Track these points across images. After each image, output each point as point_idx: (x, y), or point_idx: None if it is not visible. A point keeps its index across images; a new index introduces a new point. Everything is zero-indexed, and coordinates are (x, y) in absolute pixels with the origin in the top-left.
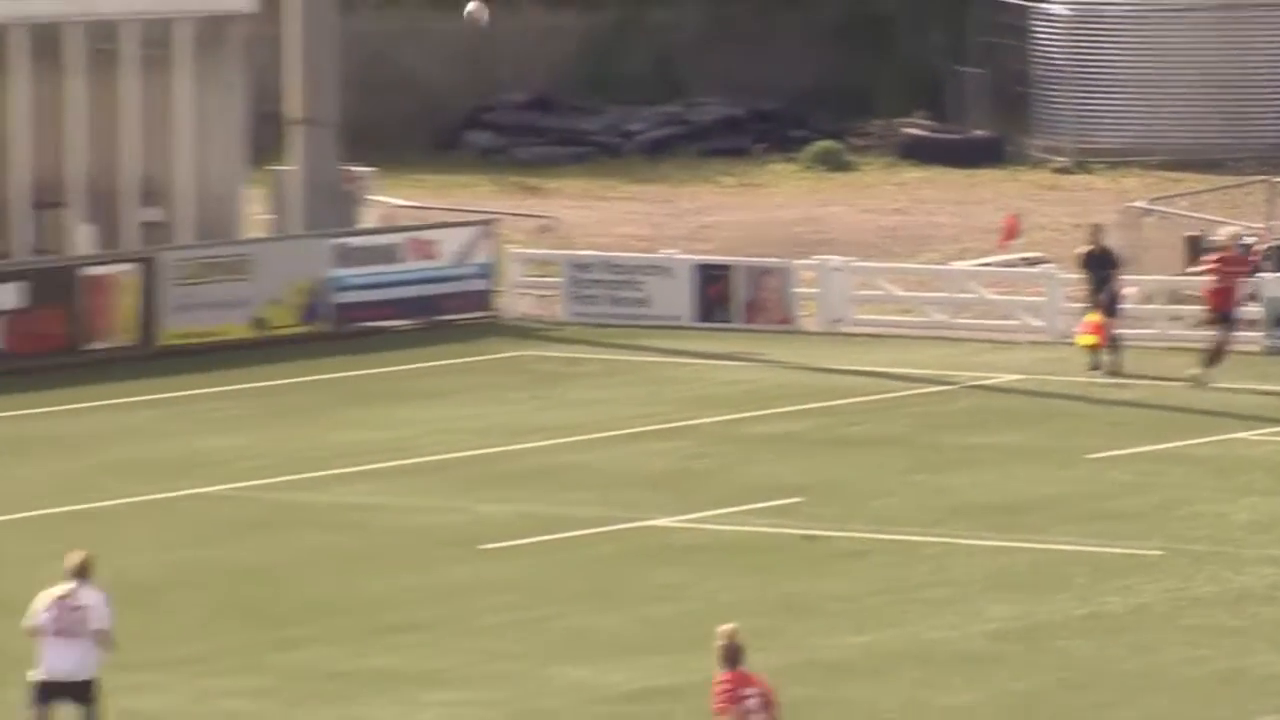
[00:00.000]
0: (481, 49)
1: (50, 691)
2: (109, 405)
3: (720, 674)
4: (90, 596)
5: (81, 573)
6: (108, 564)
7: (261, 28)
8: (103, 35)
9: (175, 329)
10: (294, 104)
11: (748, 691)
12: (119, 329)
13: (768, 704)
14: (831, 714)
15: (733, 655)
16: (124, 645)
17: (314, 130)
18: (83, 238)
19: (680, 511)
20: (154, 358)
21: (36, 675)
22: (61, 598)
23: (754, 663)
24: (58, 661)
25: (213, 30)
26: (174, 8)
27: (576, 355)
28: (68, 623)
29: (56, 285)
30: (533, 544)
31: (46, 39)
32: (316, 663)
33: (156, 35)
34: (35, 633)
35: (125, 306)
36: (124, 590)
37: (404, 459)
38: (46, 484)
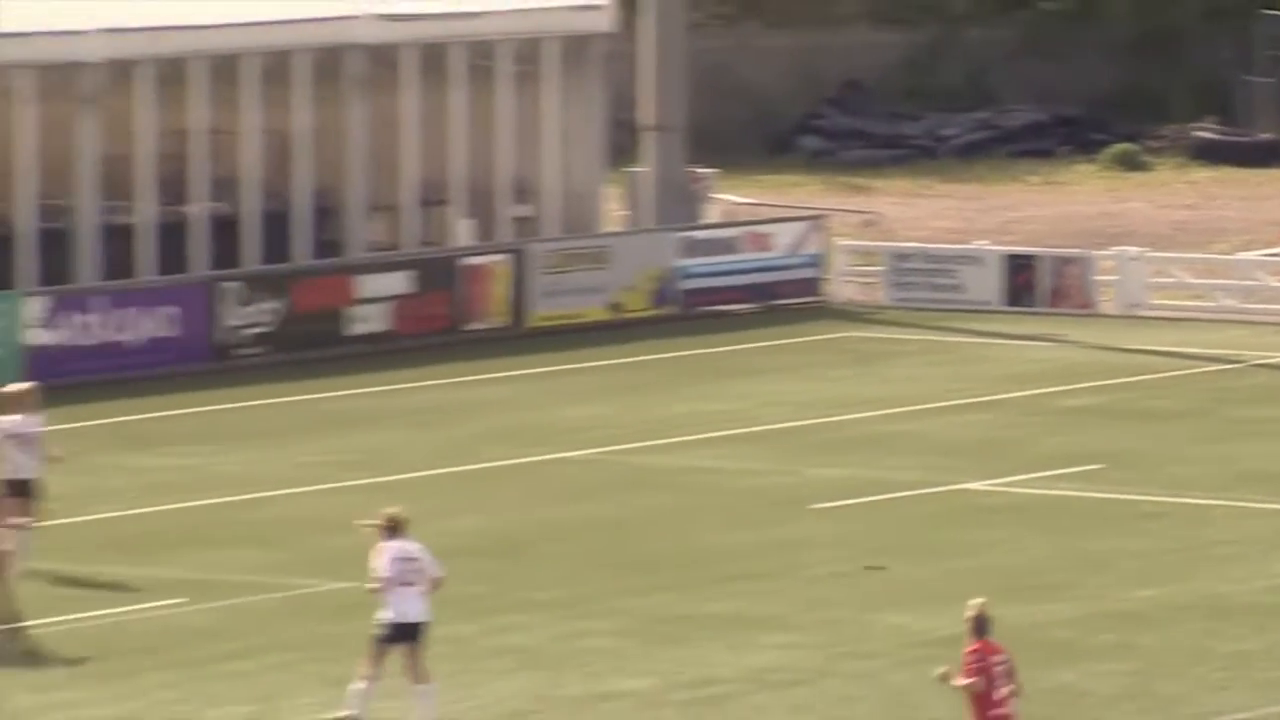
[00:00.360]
0: (810, 62)
1: (399, 633)
2: (484, 379)
3: (970, 644)
4: (417, 549)
5: (403, 528)
6: (483, 520)
7: (619, 45)
8: (481, 53)
9: (542, 312)
10: (646, 112)
11: (995, 659)
12: (493, 312)
13: (1010, 671)
14: (1122, 659)
15: (981, 626)
16: (496, 591)
17: (664, 136)
18: (463, 231)
19: (990, 476)
20: (523, 337)
21: (388, 618)
22: (399, 552)
23: (1052, 612)
24: (406, 607)
25: (576, 48)
26: (543, 28)
27: (896, 336)
28: (409, 573)
29: (440, 273)
30: (856, 504)
31: (433, 57)
32: (665, 607)
33: (527, 53)
34: (383, 585)
35: (499, 292)
36: (497, 543)
37: (742, 428)
38: (431, 449)
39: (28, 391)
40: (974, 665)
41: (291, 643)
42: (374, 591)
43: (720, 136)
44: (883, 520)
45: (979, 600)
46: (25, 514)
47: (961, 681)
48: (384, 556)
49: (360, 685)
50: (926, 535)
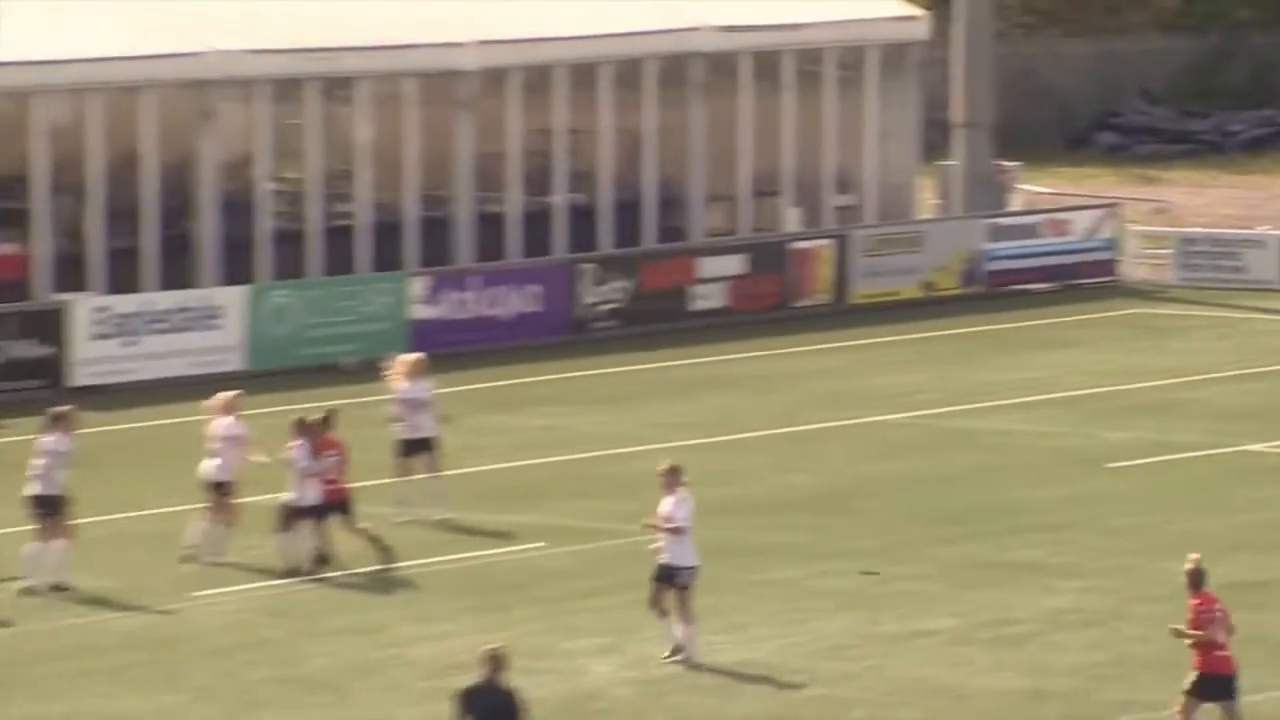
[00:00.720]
0: (1106, 66)
1: (672, 576)
2: (811, 351)
3: (1192, 598)
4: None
5: (681, 480)
6: (810, 476)
7: (933, 52)
8: (810, 60)
9: (862, 290)
10: (957, 111)
11: (1215, 609)
12: (819, 290)
13: (1226, 616)
14: None
15: (1197, 579)
16: (821, 540)
17: (973, 132)
18: (791, 218)
19: (1270, 439)
20: (845, 313)
21: (670, 561)
22: (680, 503)
23: None
24: (683, 552)
25: (895, 54)
26: (865, 37)
27: (1184, 312)
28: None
29: (770, 256)
30: (1147, 464)
31: (766, 64)
32: (971, 555)
33: (851, 59)
34: (677, 531)
35: (823, 273)
36: (822, 497)
37: (1043, 394)
38: (763, 412)
39: (417, 361)
40: (1200, 617)
41: (639, 583)
42: (670, 532)
43: (1024, 133)
44: (1171, 478)
45: (1194, 556)
46: (428, 469)
47: (1195, 634)
48: (672, 507)
49: (671, 626)
50: (1211, 492)
